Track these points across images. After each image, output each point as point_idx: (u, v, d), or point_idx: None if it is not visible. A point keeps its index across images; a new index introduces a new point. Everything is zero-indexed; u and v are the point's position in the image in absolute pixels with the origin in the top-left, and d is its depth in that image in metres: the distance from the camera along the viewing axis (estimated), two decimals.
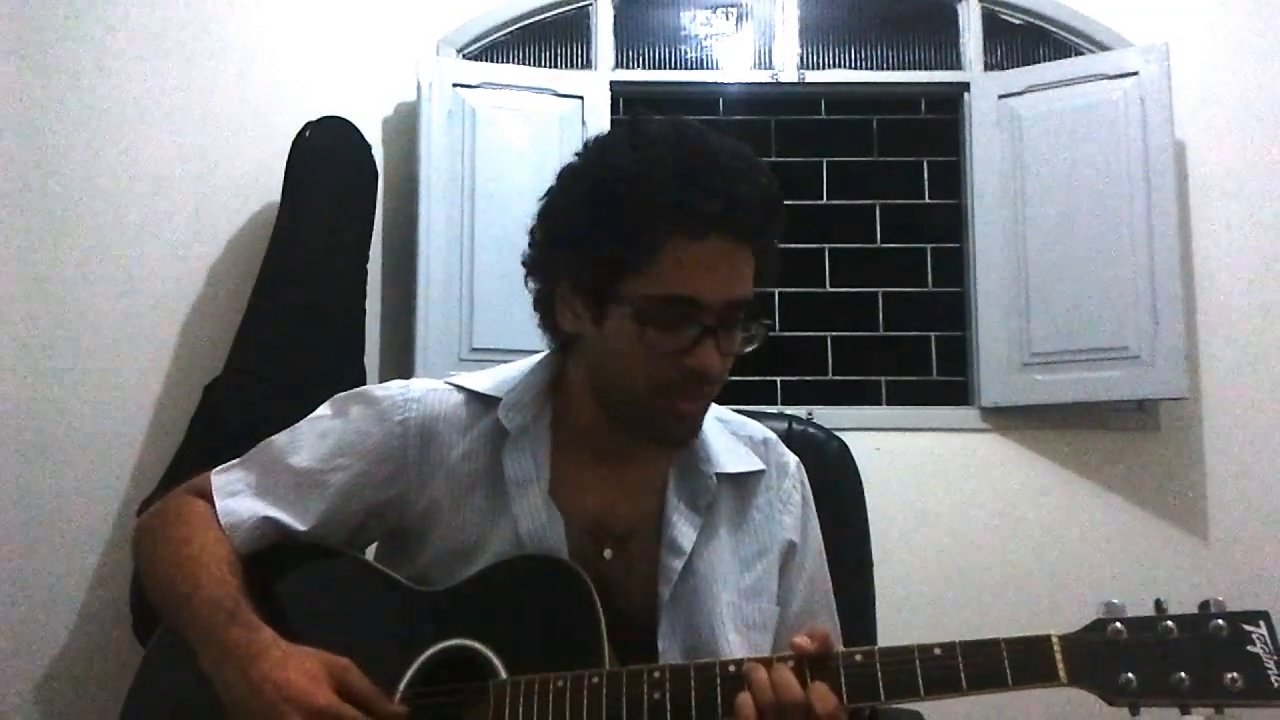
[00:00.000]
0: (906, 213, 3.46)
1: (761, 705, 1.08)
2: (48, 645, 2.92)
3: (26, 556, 2.92)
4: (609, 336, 1.24)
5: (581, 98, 3.28)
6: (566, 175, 1.28)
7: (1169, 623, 1.01)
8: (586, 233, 1.22)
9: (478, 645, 1.21)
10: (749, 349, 1.26)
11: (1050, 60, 3.36)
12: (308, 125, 3.03)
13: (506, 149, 3.20)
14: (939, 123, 3.48)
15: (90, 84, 3.12)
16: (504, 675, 1.19)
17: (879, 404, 3.37)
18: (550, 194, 1.29)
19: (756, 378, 3.31)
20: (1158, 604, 1.03)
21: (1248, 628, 0.99)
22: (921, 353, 3.41)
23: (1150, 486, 3.19)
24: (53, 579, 2.93)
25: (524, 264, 1.33)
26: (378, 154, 3.17)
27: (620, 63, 3.42)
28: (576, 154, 1.29)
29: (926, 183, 3.47)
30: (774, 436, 1.47)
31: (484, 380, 1.38)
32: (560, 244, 1.27)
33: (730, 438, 1.42)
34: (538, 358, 1.40)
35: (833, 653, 1.11)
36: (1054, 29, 3.40)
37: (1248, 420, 3.20)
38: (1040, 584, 3.11)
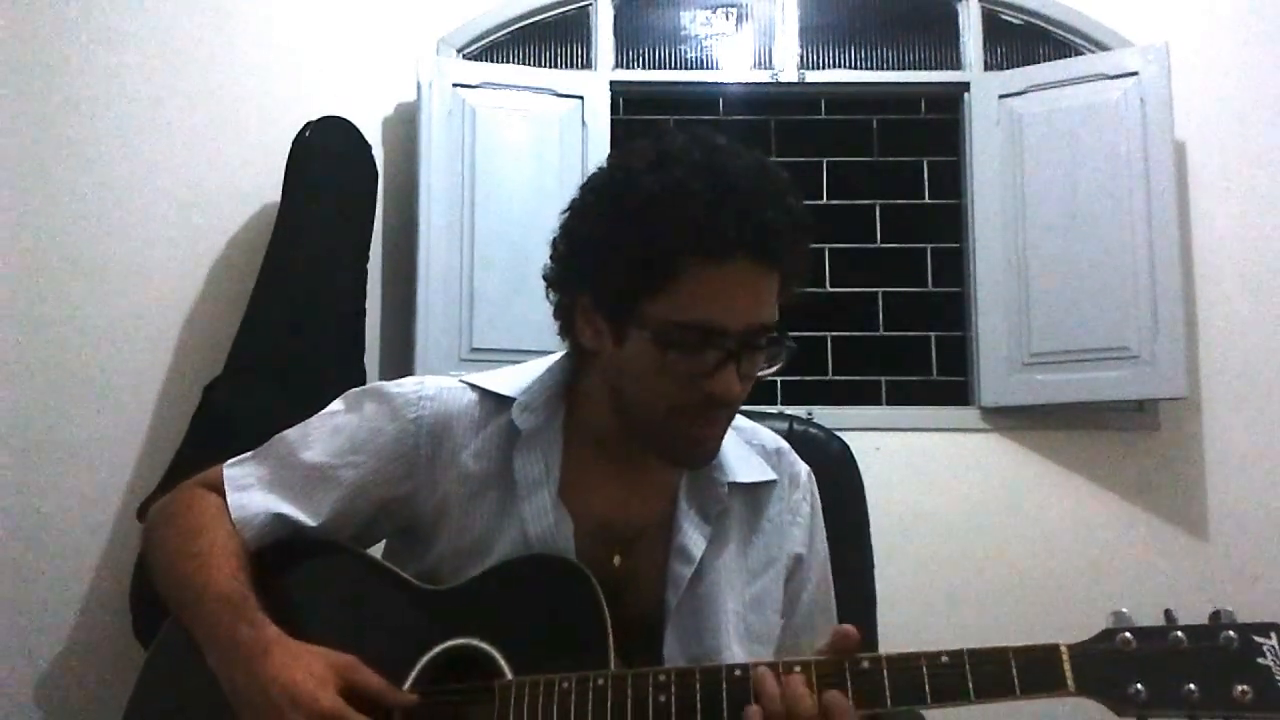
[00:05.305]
0: (906, 213, 3.46)
1: (771, 716, 1.08)
2: (48, 645, 2.93)
3: (26, 556, 2.92)
4: (629, 358, 1.23)
5: (581, 98, 3.27)
6: (588, 192, 1.26)
7: (1179, 633, 1.00)
8: (609, 252, 1.20)
9: (483, 645, 1.21)
10: (771, 370, 1.26)
11: (1050, 60, 3.36)
12: (308, 125, 3.03)
13: (506, 149, 3.19)
14: (939, 123, 3.48)
15: (91, 84, 3.12)
16: (509, 675, 1.18)
17: (879, 404, 3.37)
18: (573, 208, 1.27)
19: None
20: (1167, 614, 1.02)
21: (1259, 639, 0.98)
22: (921, 353, 3.41)
23: (1150, 486, 3.19)
24: (53, 579, 2.94)
25: (545, 277, 1.31)
26: (378, 154, 3.16)
27: (620, 63, 3.41)
28: (600, 167, 1.27)
29: (926, 183, 3.47)
30: (786, 445, 1.47)
31: (498, 380, 1.37)
32: (582, 260, 1.25)
33: (744, 446, 1.42)
34: (552, 359, 1.39)
35: (849, 649, 1.10)
36: (1054, 29, 3.40)
37: (1248, 420, 3.20)
38: (1040, 584, 3.11)
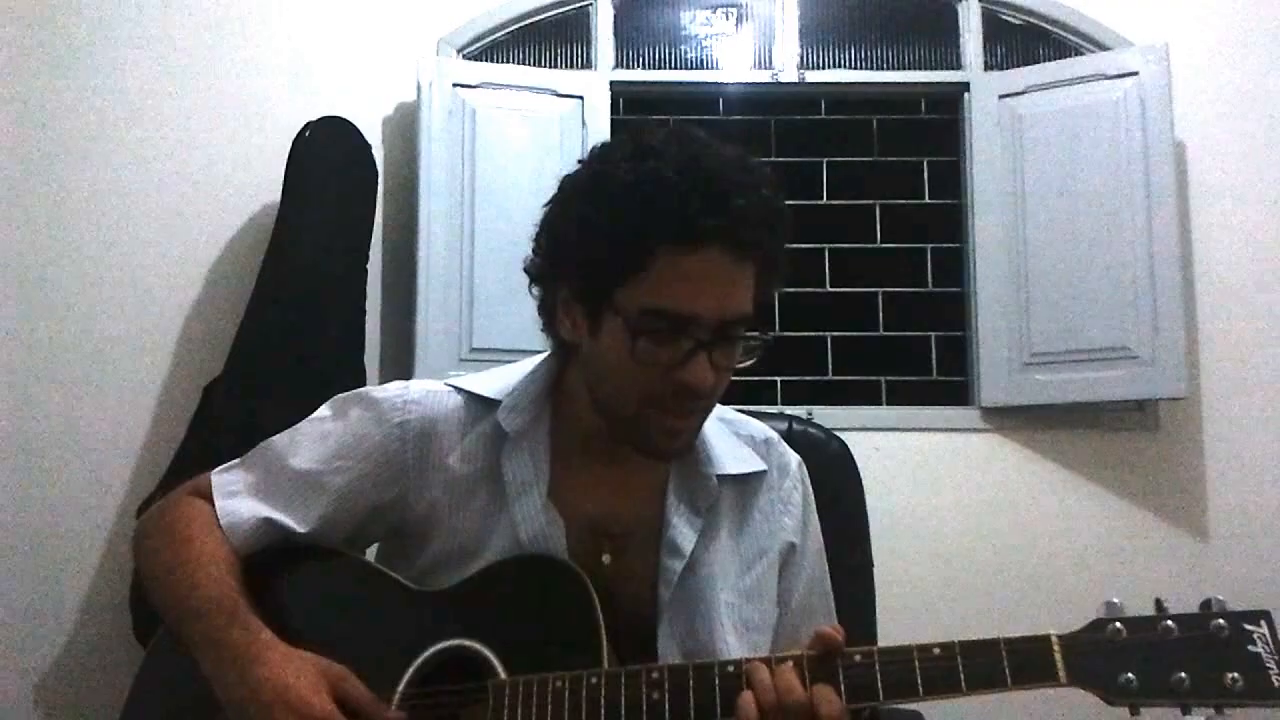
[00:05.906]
0: (906, 213, 3.46)
1: (764, 705, 1.08)
2: (48, 645, 2.92)
3: (26, 557, 2.92)
4: (603, 348, 1.23)
5: (581, 98, 3.28)
6: (567, 184, 1.27)
7: (1169, 622, 1.00)
8: (585, 241, 1.21)
9: (477, 645, 1.21)
10: (747, 363, 1.25)
11: (1050, 60, 3.36)
12: (308, 125, 3.03)
13: (506, 149, 3.20)
14: (939, 123, 3.48)
15: (91, 85, 3.12)
16: (503, 675, 1.19)
17: (879, 404, 3.37)
18: (551, 202, 1.28)
19: (756, 378, 3.31)
20: (1158, 603, 1.03)
21: (1249, 627, 0.98)
22: (921, 353, 3.41)
23: (1150, 486, 3.19)
24: (53, 579, 2.93)
25: (526, 271, 1.32)
26: (378, 154, 3.17)
27: (620, 63, 3.42)
28: (579, 162, 1.28)
29: (926, 183, 3.47)
30: (775, 436, 1.47)
31: (483, 382, 1.38)
32: (559, 252, 1.27)
33: (732, 438, 1.42)
34: (538, 360, 1.39)
35: (832, 652, 1.11)
36: (1054, 29, 3.40)
37: (1248, 420, 3.20)
38: (1040, 584, 3.11)
